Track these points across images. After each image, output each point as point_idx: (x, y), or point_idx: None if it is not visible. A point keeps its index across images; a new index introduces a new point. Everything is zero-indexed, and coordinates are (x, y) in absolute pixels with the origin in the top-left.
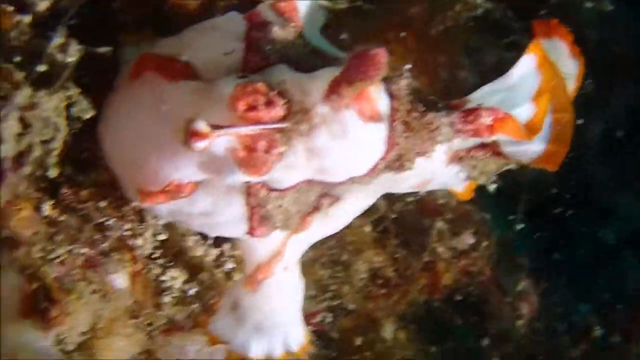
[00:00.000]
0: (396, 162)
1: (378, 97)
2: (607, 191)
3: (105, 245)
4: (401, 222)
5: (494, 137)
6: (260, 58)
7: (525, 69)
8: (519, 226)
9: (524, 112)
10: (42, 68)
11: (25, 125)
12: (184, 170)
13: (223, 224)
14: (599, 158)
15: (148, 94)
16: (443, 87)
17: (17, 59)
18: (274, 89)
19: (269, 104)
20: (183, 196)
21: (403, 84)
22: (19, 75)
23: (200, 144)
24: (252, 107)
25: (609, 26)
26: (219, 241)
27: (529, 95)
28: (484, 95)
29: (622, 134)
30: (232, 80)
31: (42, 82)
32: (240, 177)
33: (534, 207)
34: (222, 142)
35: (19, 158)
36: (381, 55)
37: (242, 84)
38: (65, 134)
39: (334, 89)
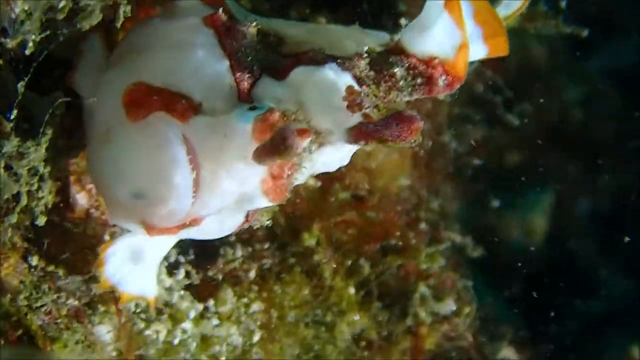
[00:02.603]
0: None
1: None
2: (592, 266)
3: (91, 296)
4: (384, 285)
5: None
6: (248, 75)
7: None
8: (502, 295)
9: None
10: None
11: (12, 174)
12: (212, 208)
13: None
14: (585, 234)
15: (163, 136)
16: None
17: None
18: (285, 113)
19: (302, 133)
20: (197, 225)
21: (363, 64)
22: (7, 125)
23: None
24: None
25: (595, 106)
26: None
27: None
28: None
29: (607, 211)
30: (245, 113)
31: (27, 133)
32: (264, 204)
33: (517, 277)
34: (255, 177)
35: (6, 206)
36: (418, 122)
37: (260, 118)
38: (51, 184)
39: (361, 136)
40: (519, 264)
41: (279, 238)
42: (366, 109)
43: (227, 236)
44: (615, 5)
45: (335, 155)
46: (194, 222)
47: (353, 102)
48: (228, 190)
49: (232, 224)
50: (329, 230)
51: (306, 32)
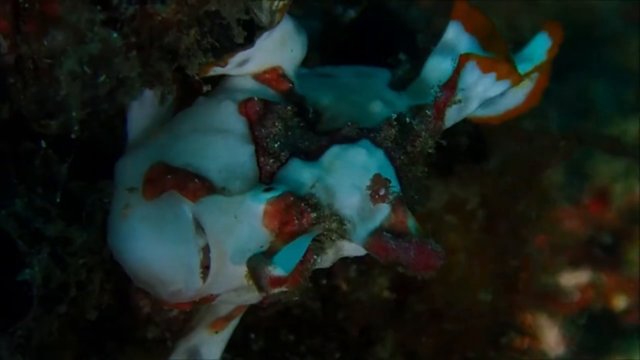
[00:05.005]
0: None
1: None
2: None
3: None
4: None
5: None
6: (273, 160)
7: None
8: None
9: None
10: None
11: (59, 261)
12: (221, 290)
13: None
14: None
15: (173, 214)
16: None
17: (40, 189)
18: (301, 197)
19: (301, 214)
20: (208, 303)
21: (391, 135)
22: (53, 210)
23: (278, 289)
24: (286, 223)
25: None
26: None
27: None
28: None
29: None
30: (259, 194)
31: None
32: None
33: None
34: None
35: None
36: (436, 261)
37: (273, 201)
38: (100, 276)
39: (378, 249)
40: None
41: (351, 349)
42: (390, 201)
43: (297, 346)
44: None
45: None
46: (204, 301)
47: (376, 193)
48: (235, 274)
49: (248, 298)
50: (404, 342)
51: (336, 99)
